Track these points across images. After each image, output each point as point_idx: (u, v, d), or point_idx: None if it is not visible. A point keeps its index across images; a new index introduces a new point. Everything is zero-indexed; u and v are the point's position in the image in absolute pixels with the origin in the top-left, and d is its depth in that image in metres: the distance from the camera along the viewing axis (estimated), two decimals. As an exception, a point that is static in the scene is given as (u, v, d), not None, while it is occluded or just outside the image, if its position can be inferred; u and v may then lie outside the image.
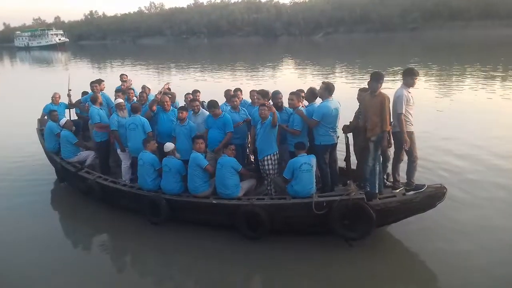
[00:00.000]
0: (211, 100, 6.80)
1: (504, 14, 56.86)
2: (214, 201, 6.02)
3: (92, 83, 8.75)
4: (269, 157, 6.24)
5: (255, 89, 7.58)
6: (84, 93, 9.42)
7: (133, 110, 7.18)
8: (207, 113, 6.93)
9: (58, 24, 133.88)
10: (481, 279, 4.91)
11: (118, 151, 7.49)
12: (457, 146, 9.64)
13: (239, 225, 5.84)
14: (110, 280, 5.34)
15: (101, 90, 8.83)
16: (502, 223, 6.15)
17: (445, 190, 5.60)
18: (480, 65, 24.31)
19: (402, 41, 52.73)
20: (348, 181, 5.87)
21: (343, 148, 6.55)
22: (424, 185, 5.74)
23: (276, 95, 6.68)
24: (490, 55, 31.35)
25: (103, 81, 9.06)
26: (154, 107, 7.41)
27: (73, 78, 10.17)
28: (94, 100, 7.93)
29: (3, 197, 7.95)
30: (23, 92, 22.90)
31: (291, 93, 6.26)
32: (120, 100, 7.58)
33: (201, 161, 6.10)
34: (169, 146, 6.38)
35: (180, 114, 6.76)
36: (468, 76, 20.92)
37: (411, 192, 5.67)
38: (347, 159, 6.51)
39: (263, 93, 6.71)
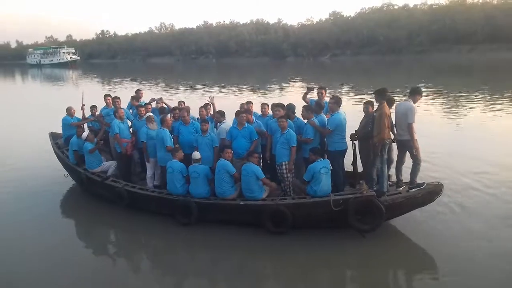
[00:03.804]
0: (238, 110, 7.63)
1: (510, 37, 57.25)
2: (241, 202, 6.60)
3: (114, 98, 9.20)
4: (286, 162, 6.82)
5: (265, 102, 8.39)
6: (93, 107, 9.78)
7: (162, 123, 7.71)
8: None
9: (70, 42, 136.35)
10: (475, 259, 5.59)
11: (151, 160, 7.88)
12: (455, 152, 10.53)
13: (265, 223, 6.40)
14: (141, 273, 5.87)
15: (140, 98, 9.61)
16: (491, 213, 6.94)
17: (442, 187, 6.41)
18: (488, 88, 24.35)
19: (409, 64, 53.16)
20: (361, 181, 6.54)
21: (349, 154, 7.16)
22: (424, 183, 6.49)
23: (289, 107, 7.48)
24: (497, 78, 31.43)
25: (140, 90, 9.89)
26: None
27: (82, 93, 10.54)
28: (115, 113, 8.39)
29: (27, 209, 7.98)
30: (33, 107, 23.33)
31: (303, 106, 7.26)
32: (151, 114, 8.11)
33: (230, 168, 6.67)
34: (196, 154, 6.94)
35: (203, 126, 7.35)
36: (475, 98, 20.98)
37: (414, 189, 6.39)
38: (354, 163, 7.21)
39: (282, 106, 7.31)
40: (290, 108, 7.46)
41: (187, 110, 8.39)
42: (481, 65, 44.52)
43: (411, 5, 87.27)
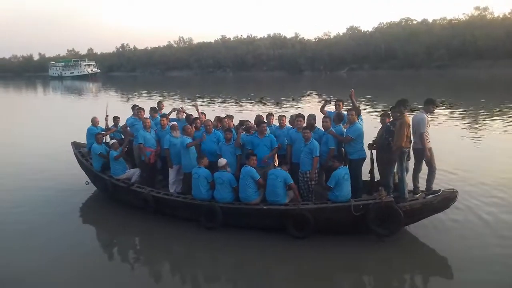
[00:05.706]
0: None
1: (532, 53, 56.27)
2: (265, 207, 6.79)
3: (138, 108, 9.36)
4: (310, 171, 7.08)
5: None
6: (116, 118, 10.21)
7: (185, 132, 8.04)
8: None
9: (91, 55, 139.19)
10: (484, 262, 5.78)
11: (175, 167, 8.06)
12: (473, 161, 10.80)
13: (288, 227, 6.58)
14: (164, 278, 5.93)
15: (162, 109, 9.97)
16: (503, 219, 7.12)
17: (457, 194, 6.66)
18: (510, 104, 23.84)
19: (428, 78, 52.57)
20: (380, 187, 6.67)
21: (366, 162, 7.43)
22: (439, 190, 6.71)
23: (311, 117, 7.80)
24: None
25: (161, 102, 10.22)
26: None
27: (103, 105, 10.75)
28: (143, 123, 8.61)
29: (49, 216, 8.08)
30: (55, 118, 23.82)
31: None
32: (175, 122, 8.55)
33: (255, 174, 6.91)
34: (222, 161, 7.21)
35: (227, 135, 7.69)
36: (497, 113, 20.60)
37: (430, 196, 6.61)
38: (372, 171, 7.55)
39: (303, 116, 7.69)
40: (312, 118, 7.77)
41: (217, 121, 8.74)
42: (502, 81, 43.74)
43: (430, 20, 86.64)
